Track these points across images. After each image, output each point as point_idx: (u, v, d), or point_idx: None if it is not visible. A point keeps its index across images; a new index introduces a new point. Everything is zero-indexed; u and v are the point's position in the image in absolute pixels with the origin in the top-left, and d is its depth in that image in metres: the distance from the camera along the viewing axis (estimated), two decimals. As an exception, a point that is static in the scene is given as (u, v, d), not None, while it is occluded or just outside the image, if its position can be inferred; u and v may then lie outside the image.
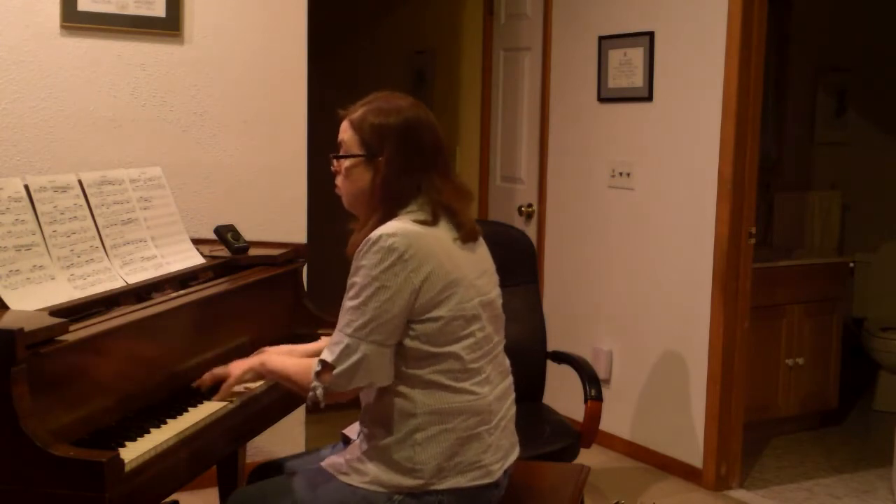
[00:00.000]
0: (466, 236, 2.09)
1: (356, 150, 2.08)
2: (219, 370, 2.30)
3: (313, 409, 2.09)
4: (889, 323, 5.18)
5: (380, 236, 1.96)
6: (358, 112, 2.10)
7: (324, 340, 2.54)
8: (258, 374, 2.27)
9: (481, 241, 2.19)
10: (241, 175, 3.76)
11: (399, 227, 1.98)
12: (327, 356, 1.99)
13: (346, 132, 2.11)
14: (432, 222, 2.04)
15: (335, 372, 1.97)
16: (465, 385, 2.03)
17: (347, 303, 1.99)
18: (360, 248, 1.98)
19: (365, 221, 2.08)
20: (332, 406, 2.05)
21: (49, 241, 2.23)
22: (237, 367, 2.28)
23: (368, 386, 1.99)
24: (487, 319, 2.09)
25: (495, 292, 2.17)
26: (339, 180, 2.14)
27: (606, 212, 4.46)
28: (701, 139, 4.00)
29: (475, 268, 2.10)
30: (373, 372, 1.97)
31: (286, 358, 2.27)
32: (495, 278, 2.19)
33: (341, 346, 1.97)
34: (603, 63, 4.42)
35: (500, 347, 2.19)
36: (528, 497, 2.31)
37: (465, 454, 2.03)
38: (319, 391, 2.00)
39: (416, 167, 2.05)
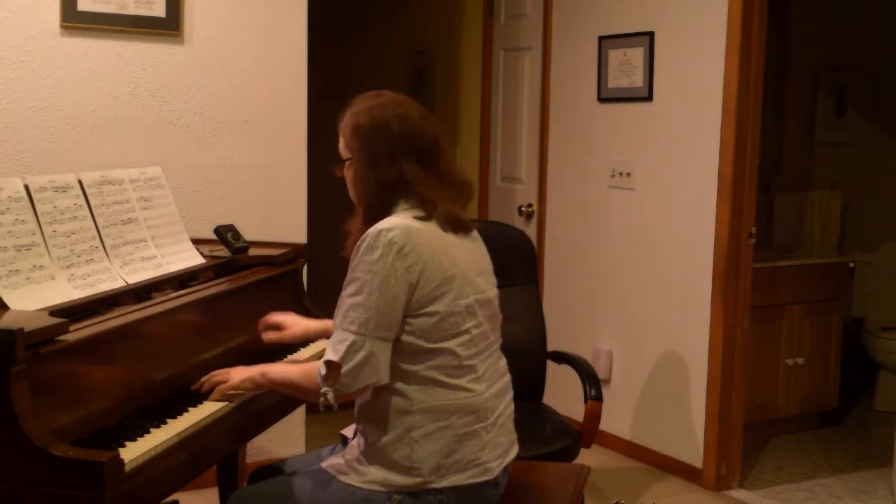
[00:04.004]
0: (457, 226, 2.09)
1: (345, 154, 2.14)
2: (218, 377, 2.27)
3: (326, 412, 2.08)
4: (889, 323, 5.19)
5: (379, 231, 1.97)
6: (343, 119, 2.15)
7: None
8: (258, 384, 2.21)
9: (478, 237, 2.19)
10: (241, 175, 3.76)
11: (397, 221, 2.00)
12: (332, 355, 1.98)
13: (340, 141, 2.17)
14: (427, 217, 2.05)
15: (343, 370, 1.96)
16: (461, 382, 2.04)
17: (348, 300, 1.99)
18: (359, 243, 2.00)
19: (355, 219, 2.12)
20: (343, 405, 2.05)
21: (49, 241, 2.23)
22: (237, 373, 2.25)
23: (375, 383, 1.99)
24: (484, 317, 2.10)
25: (493, 292, 2.17)
26: (348, 188, 2.17)
27: (606, 212, 4.46)
28: (701, 139, 4.00)
29: (473, 266, 2.10)
30: (379, 369, 1.97)
31: (287, 365, 2.27)
32: (493, 279, 2.20)
33: (347, 344, 1.96)
34: (603, 63, 4.42)
35: (496, 346, 2.19)
36: (528, 497, 2.31)
37: (463, 452, 2.03)
38: (331, 395, 1.99)
39: (386, 159, 2.06)
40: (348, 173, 2.13)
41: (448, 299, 2.00)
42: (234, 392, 2.25)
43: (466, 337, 2.04)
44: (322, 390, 2.00)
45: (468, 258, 2.10)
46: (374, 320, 1.95)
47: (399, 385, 2.01)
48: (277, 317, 2.57)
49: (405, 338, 2.00)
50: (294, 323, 2.56)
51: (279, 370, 2.22)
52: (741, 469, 4.09)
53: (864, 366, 5.26)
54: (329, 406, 2.01)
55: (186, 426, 2.07)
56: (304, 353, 2.66)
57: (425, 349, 2.00)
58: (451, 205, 2.10)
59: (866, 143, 5.75)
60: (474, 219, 2.21)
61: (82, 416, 1.95)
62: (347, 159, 2.13)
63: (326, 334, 2.52)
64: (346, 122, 2.13)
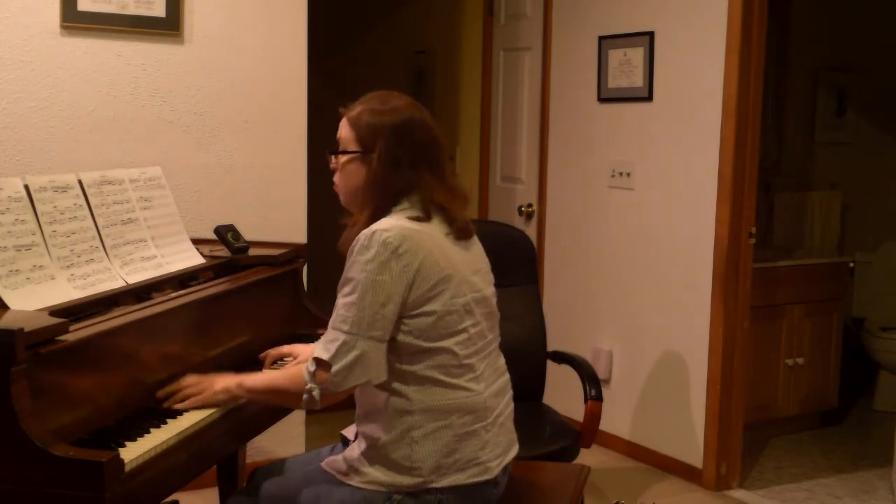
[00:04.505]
0: (459, 233, 2.10)
1: (352, 146, 2.11)
2: (190, 389, 2.19)
3: (310, 411, 2.07)
4: (889, 323, 5.18)
5: (374, 232, 1.97)
6: (356, 110, 2.13)
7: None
8: (234, 396, 2.17)
9: (476, 240, 2.20)
10: (241, 175, 3.76)
11: (393, 223, 2.00)
12: (323, 354, 1.97)
13: (343, 129, 2.14)
14: (425, 219, 2.05)
15: (333, 369, 1.96)
16: (460, 381, 2.04)
17: (342, 299, 1.99)
18: (353, 243, 2.00)
19: (357, 218, 2.10)
20: (329, 407, 2.04)
21: (49, 241, 2.22)
22: (210, 385, 2.19)
23: (365, 383, 1.99)
24: (481, 316, 2.10)
25: (490, 290, 2.17)
26: (336, 177, 2.16)
27: (606, 212, 4.46)
28: (701, 139, 4.00)
29: (469, 265, 2.10)
30: (370, 369, 1.97)
31: (265, 372, 2.25)
32: (490, 277, 2.20)
33: (338, 343, 1.96)
34: (603, 63, 4.42)
35: (495, 345, 2.19)
36: (528, 497, 2.31)
37: (463, 451, 2.03)
38: (316, 392, 1.98)
39: (407, 165, 2.07)
40: (350, 166, 2.11)
41: (445, 298, 2.00)
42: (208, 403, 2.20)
43: (464, 336, 2.04)
44: (307, 387, 1.98)
45: (464, 257, 2.10)
46: (367, 320, 1.95)
47: (398, 385, 2.01)
48: (283, 349, 2.55)
49: (402, 338, 2.00)
50: (302, 350, 2.54)
51: (259, 378, 2.19)
52: (741, 469, 4.09)
53: (864, 366, 5.26)
54: (313, 404, 1.99)
55: (186, 426, 2.07)
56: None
57: (423, 349, 2.00)
58: (463, 213, 2.11)
59: (866, 143, 5.75)
60: (474, 219, 2.21)
61: (82, 416, 1.95)
62: (352, 152, 2.11)
63: None
64: (359, 116, 2.10)
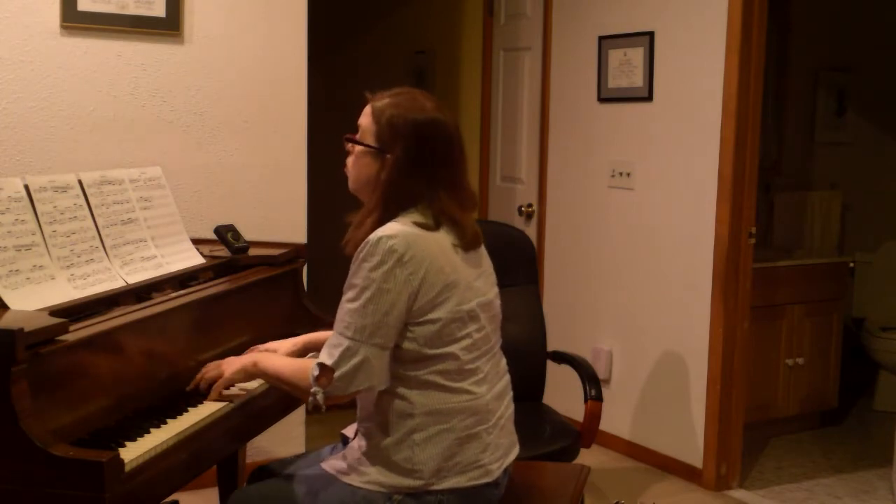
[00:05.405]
0: (468, 245, 2.08)
1: (369, 139, 2.07)
2: (211, 372, 2.27)
3: (313, 412, 2.07)
4: (889, 323, 5.18)
5: (379, 238, 1.95)
6: (382, 101, 2.08)
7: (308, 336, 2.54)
8: (250, 374, 2.22)
9: (482, 247, 2.18)
10: (241, 175, 3.76)
11: (399, 228, 1.98)
12: (327, 359, 1.97)
13: (365, 117, 2.10)
14: (433, 227, 2.03)
15: (336, 375, 1.96)
16: (463, 385, 2.03)
17: (347, 304, 1.98)
18: (359, 249, 1.98)
19: (363, 218, 2.07)
20: (332, 407, 2.05)
21: (49, 241, 2.23)
22: (229, 366, 2.25)
23: (367, 389, 1.98)
24: (486, 320, 2.10)
25: (493, 292, 2.17)
26: (349, 160, 2.13)
27: (606, 212, 4.46)
28: (701, 139, 4.00)
29: (473, 270, 2.09)
30: (373, 375, 1.96)
31: (280, 358, 2.25)
32: (493, 279, 2.19)
33: (342, 349, 1.96)
34: (603, 63, 4.42)
35: (497, 348, 2.19)
36: (528, 497, 2.31)
37: (464, 454, 2.03)
38: (320, 396, 1.98)
39: (422, 174, 2.04)
40: (364, 158, 2.08)
41: (450, 305, 1.99)
42: (230, 393, 2.25)
43: (468, 341, 2.03)
44: (312, 390, 1.99)
45: (468, 263, 2.09)
46: (370, 328, 1.94)
47: (400, 389, 2.01)
48: (260, 349, 2.49)
49: (407, 345, 1.99)
50: (278, 348, 2.48)
51: (272, 363, 2.19)
52: (741, 469, 4.09)
53: (864, 366, 5.26)
54: (318, 407, 2.00)
55: (186, 426, 2.07)
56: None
57: (427, 355, 2.00)
58: (473, 226, 2.09)
59: (866, 143, 5.75)
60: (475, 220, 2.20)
61: (82, 416, 1.95)
62: (368, 145, 2.07)
63: (315, 345, 2.49)
64: (383, 109, 2.06)
